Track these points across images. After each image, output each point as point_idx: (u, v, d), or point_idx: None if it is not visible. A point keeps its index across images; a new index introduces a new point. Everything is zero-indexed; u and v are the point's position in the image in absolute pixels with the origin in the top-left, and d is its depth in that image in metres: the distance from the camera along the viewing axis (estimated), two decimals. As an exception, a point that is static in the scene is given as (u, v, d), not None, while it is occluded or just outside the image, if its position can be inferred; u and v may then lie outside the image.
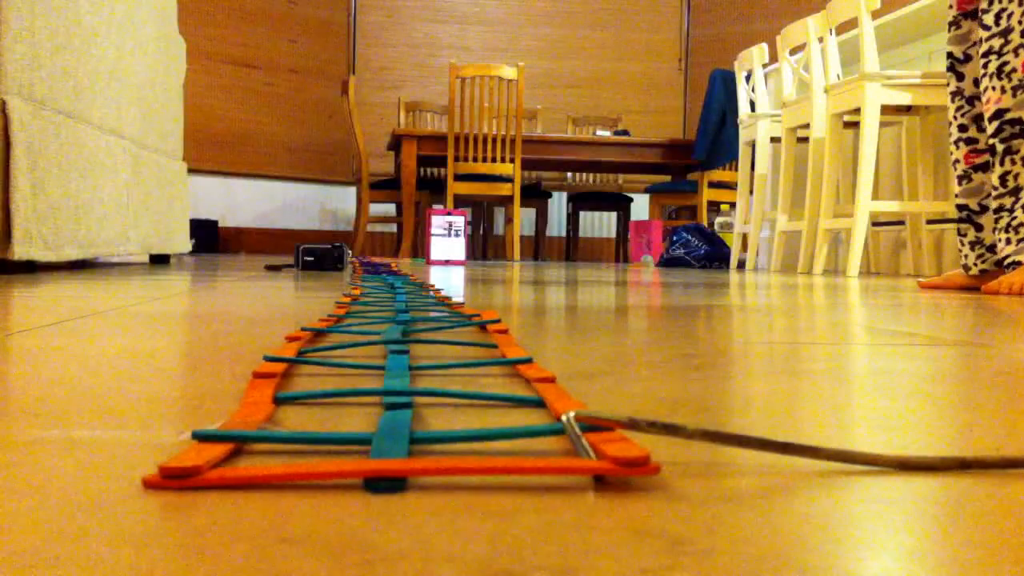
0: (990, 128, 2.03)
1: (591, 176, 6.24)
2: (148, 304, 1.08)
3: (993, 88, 2.02)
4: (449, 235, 3.94)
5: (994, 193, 2.04)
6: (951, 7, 2.22)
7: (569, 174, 6.31)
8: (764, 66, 4.19)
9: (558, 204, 6.77)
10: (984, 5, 2.04)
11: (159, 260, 3.15)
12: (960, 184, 2.18)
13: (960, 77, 2.18)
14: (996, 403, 0.48)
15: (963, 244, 2.19)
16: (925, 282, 2.22)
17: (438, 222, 3.94)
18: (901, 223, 3.67)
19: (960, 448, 0.36)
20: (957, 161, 2.18)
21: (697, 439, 0.31)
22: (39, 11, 1.92)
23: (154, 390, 0.46)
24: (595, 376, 0.54)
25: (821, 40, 3.50)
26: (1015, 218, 1.99)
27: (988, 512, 0.27)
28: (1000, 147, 2.01)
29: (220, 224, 6.12)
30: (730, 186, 5.30)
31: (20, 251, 1.80)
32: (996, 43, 2.01)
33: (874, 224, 3.85)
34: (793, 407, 0.45)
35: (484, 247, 6.07)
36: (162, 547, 0.22)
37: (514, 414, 0.42)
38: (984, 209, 2.14)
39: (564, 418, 0.34)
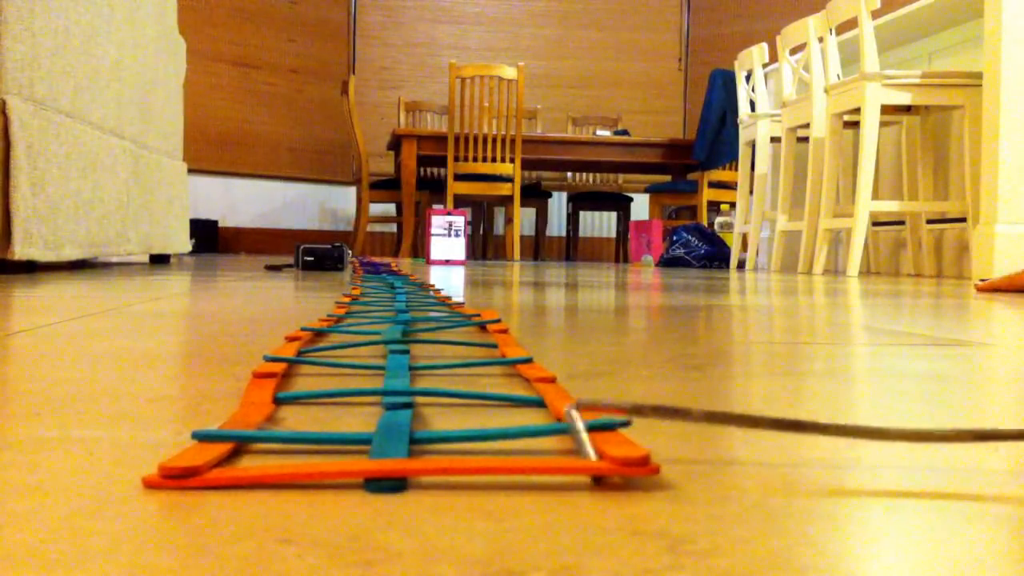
0: None
1: (591, 176, 6.25)
2: (148, 304, 1.08)
3: None
4: (449, 235, 3.94)
5: None
6: None
7: (569, 174, 6.31)
8: (764, 66, 4.19)
9: (558, 204, 6.78)
10: None
11: (159, 260, 3.15)
12: None
13: None
14: (998, 403, 0.48)
15: None
16: (984, 284, 2.03)
17: (438, 222, 3.94)
18: (901, 223, 3.67)
19: (961, 447, 0.36)
20: None
21: (702, 422, 0.31)
22: (39, 11, 1.92)
23: (154, 390, 0.46)
24: (596, 376, 0.54)
25: (821, 40, 3.50)
26: None
27: (990, 511, 0.27)
28: None
29: (220, 224, 6.12)
30: (730, 186, 5.30)
31: (20, 251, 1.80)
32: None
33: (874, 224, 3.85)
34: (794, 407, 0.45)
35: (484, 247, 6.06)
36: (162, 547, 0.22)
37: (514, 414, 0.42)
38: None
39: (567, 408, 0.33)
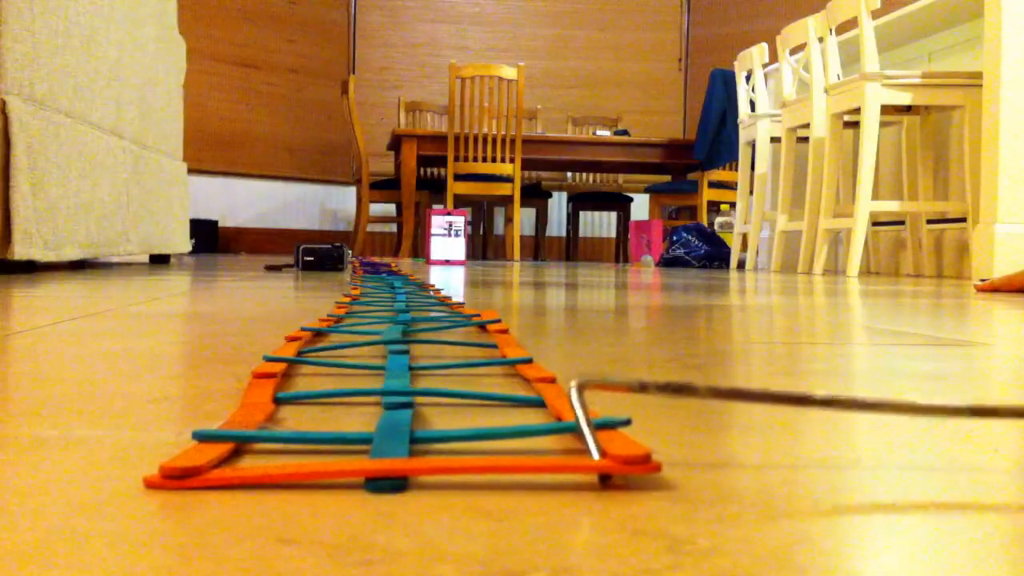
0: None
1: (591, 176, 6.24)
2: (148, 304, 1.08)
3: None
4: (449, 235, 3.94)
5: None
6: None
7: (569, 174, 6.30)
8: (764, 66, 4.19)
9: (558, 204, 6.77)
10: None
11: (159, 260, 3.15)
12: None
13: None
14: (998, 403, 0.48)
15: None
16: (984, 284, 2.02)
17: (438, 222, 3.94)
18: (901, 223, 3.67)
19: (961, 447, 0.36)
20: None
21: (709, 398, 0.31)
22: (39, 11, 1.92)
23: (154, 390, 0.46)
24: (596, 376, 0.54)
25: (821, 40, 3.50)
26: None
27: (992, 516, 0.27)
28: None
29: (220, 224, 6.12)
30: (730, 186, 5.29)
31: (20, 251, 1.80)
32: None
33: (874, 224, 3.85)
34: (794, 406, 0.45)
35: (484, 247, 6.06)
36: (162, 547, 0.22)
37: (514, 414, 0.42)
38: None
39: (572, 384, 0.33)
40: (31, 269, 2.01)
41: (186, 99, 5.79)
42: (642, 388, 0.31)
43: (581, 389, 0.32)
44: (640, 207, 6.53)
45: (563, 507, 0.26)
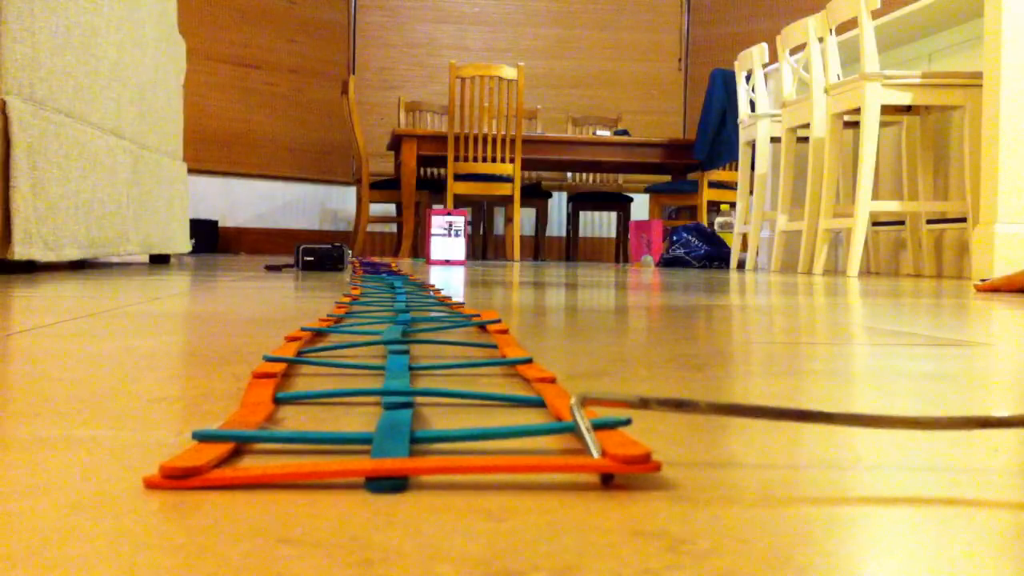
0: None
1: (591, 176, 6.24)
2: (148, 304, 1.08)
3: None
4: (449, 235, 3.94)
5: None
6: None
7: (569, 174, 6.30)
8: (764, 66, 4.19)
9: (558, 204, 6.77)
10: None
11: (159, 260, 3.15)
12: None
13: None
14: (998, 403, 0.48)
15: None
16: (984, 284, 2.00)
17: (438, 222, 3.94)
18: (901, 223, 3.67)
19: (961, 447, 0.36)
20: None
21: (709, 414, 0.31)
22: (39, 11, 1.92)
23: (154, 390, 0.46)
24: (595, 376, 0.54)
25: (821, 40, 3.50)
26: None
27: (993, 517, 0.27)
28: None
29: (220, 224, 6.12)
30: (730, 186, 5.29)
31: (20, 251, 1.80)
32: None
33: (874, 224, 3.85)
34: (795, 406, 0.45)
35: (484, 247, 6.06)
36: (162, 547, 0.22)
37: (514, 414, 0.42)
38: None
39: (573, 400, 0.33)
40: (31, 269, 2.01)
41: (186, 99, 5.79)
42: (643, 404, 0.31)
43: (582, 404, 0.32)
44: (640, 207, 6.52)
45: (563, 507, 0.26)
